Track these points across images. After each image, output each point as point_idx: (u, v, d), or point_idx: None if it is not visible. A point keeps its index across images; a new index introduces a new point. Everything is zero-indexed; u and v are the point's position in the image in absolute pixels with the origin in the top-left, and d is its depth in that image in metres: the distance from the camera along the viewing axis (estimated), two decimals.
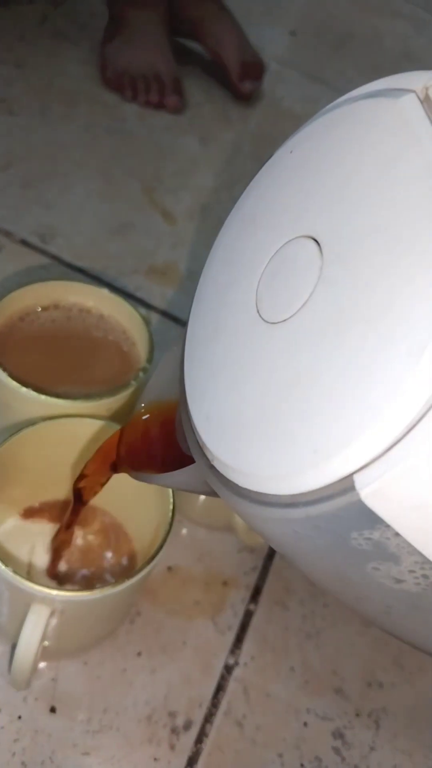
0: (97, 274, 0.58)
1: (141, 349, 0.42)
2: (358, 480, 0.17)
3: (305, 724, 0.41)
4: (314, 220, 0.21)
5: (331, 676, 0.43)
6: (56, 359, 0.41)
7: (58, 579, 0.37)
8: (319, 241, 0.20)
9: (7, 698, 0.36)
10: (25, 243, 0.59)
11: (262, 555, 0.47)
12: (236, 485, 0.20)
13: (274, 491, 0.19)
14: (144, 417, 0.31)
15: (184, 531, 0.46)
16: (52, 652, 0.37)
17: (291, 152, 0.24)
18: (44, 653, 0.37)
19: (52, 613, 0.31)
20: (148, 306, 0.59)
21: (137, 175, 0.70)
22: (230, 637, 0.43)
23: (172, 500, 0.34)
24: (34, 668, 0.31)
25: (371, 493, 0.17)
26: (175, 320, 0.58)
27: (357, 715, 0.42)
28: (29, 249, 0.58)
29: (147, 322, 0.42)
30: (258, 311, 0.22)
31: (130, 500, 0.37)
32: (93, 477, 0.33)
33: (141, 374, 0.39)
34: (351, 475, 0.17)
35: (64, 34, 0.85)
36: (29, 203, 0.63)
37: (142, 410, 0.31)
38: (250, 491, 0.19)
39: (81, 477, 0.34)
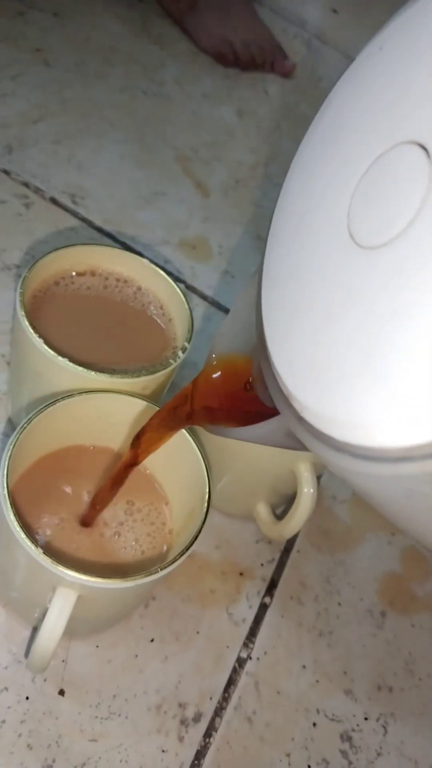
0: (127, 241, 0.56)
1: (178, 327, 0.41)
2: None
3: (314, 724, 0.40)
4: (419, 123, 0.18)
5: (342, 677, 0.42)
6: (89, 329, 0.39)
7: (84, 524, 0.35)
8: (427, 147, 0.18)
9: (15, 678, 0.35)
10: (54, 202, 0.56)
11: (280, 547, 0.45)
12: (332, 438, 0.17)
13: (382, 444, 0.16)
14: (216, 372, 0.28)
15: None
16: (65, 634, 0.36)
17: (380, 49, 0.21)
18: None
19: (79, 599, 0.29)
20: (176, 280, 0.57)
21: (172, 143, 0.68)
22: (244, 629, 0.41)
23: (207, 489, 0.33)
24: (54, 652, 0.30)
25: None
26: (203, 297, 0.56)
27: (366, 718, 0.41)
28: (59, 208, 0.56)
29: (187, 298, 0.40)
30: (351, 235, 0.19)
31: (170, 474, 0.35)
32: (157, 431, 0.31)
33: (180, 354, 0.37)
34: None
35: None
36: (60, 161, 0.60)
37: (214, 361, 0.29)
38: (350, 445, 0.17)
39: (143, 431, 0.31)
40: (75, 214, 0.56)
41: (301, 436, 0.19)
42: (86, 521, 0.34)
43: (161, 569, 0.30)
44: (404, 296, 0.17)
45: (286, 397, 0.20)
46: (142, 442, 0.31)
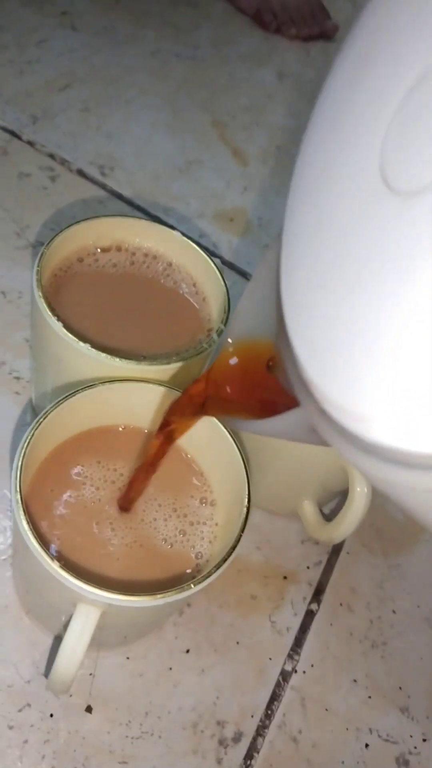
0: (159, 214, 0.52)
1: (213, 307, 0.36)
2: None
3: (366, 745, 0.36)
4: None
5: (397, 693, 0.38)
6: (115, 310, 0.35)
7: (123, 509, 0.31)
8: None
9: (39, 693, 0.32)
10: (82, 174, 0.52)
11: (328, 549, 0.41)
12: (360, 438, 0.14)
13: (421, 448, 0.13)
14: (232, 358, 0.24)
15: None
16: (91, 646, 0.33)
17: None
18: None
19: (102, 614, 0.26)
20: (213, 255, 0.53)
21: (207, 108, 0.63)
22: (289, 639, 0.38)
23: (247, 490, 0.29)
24: (76, 674, 0.27)
25: None
26: (242, 274, 0.52)
27: (424, 740, 0.37)
28: (86, 180, 0.52)
29: (223, 275, 0.36)
30: (384, 180, 0.15)
31: (213, 465, 0.32)
32: (175, 422, 0.28)
33: (216, 337, 0.33)
34: None
35: None
36: (88, 130, 0.56)
37: (231, 347, 0.25)
38: (382, 447, 0.13)
39: (164, 423, 0.28)
40: (103, 187, 0.52)
41: (324, 432, 0.16)
42: (123, 506, 0.31)
43: (194, 584, 0.26)
44: None
45: (305, 386, 0.16)
46: (163, 432, 0.28)
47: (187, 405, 0.26)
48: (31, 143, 0.53)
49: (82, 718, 0.32)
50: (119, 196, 0.52)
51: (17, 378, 0.41)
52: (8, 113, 0.54)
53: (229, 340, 0.25)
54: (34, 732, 0.31)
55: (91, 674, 0.33)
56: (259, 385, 0.23)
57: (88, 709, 0.33)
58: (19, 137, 0.53)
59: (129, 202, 0.52)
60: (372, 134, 0.16)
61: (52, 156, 0.53)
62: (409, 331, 0.13)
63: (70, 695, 0.33)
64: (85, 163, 0.53)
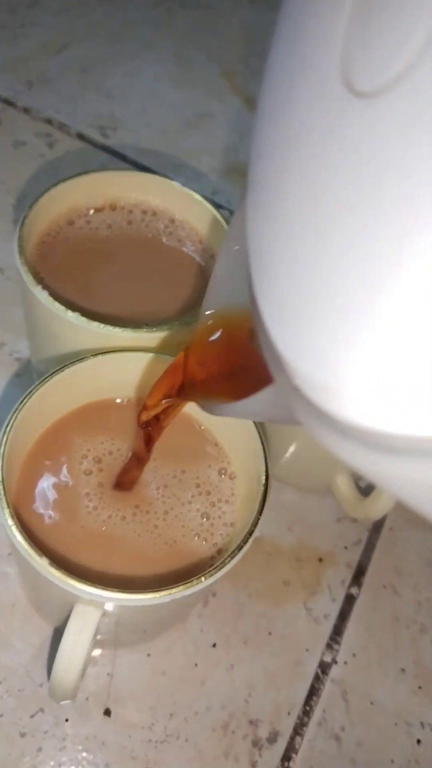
0: (168, 173, 0.48)
1: None
2: None
3: (418, 741, 0.32)
4: None
5: None
6: (112, 275, 0.32)
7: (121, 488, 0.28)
8: None
9: None
10: (81, 137, 0.49)
11: (368, 526, 0.37)
12: (334, 419, 0.11)
13: (413, 431, 0.10)
14: (212, 334, 0.21)
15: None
16: (108, 643, 0.30)
17: None
18: (97, 643, 0.29)
19: (103, 614, 0.23)
20: (218, 208, 0.49)
21: (217, 57, 0.58)
22: (327, 627, 0.34)
23: (265, 466, 0.25)
24: (82, 677, 0.24)
25: None
26: None
27: None
28: (86, 144, 0.48)
29: None
30: (345, 82, 0.12)
31: (231, 437, 0.28)
32: (158, 409, 0.24)
33: None
34: None
35: None
36: (88, 91, 0.52)
37: (209, 319, 0.22)
38: (359, 429, 0.11)
39: (144, 409, 0.25)
40: (105, 149, 0.48)
41: (298, 413, 0.13)
42: (122, 485, 0.27)
43: (205, 578, 0.23)
44: (416, 159, 0.10)
45: (276, 358, 0.12)
46: (146, 423, 0.24)
47: (169, 390, 0.23)
48: (26, 110, 0.50)
49: (101, 722, 0.30)
50: (123, 157, 0.48)
51: (18, 359, 0.38)
52: (1, 81, 0.51)
53: (207, 312, 0.21)
54: (48, 739, 0.29)
55: (108, 674, 0.31)
56: (242, 359, 0.20)
57: (107, 712, 0.30)
58: (13, 105, 0.50)
59: (134, 162, 0.48)
60: (331, 32, 0.13)
61: (49, 121, 0.49)
62: (383, 278, 0.10)
63: (87, 698, 0.30)
64: (84, 125, 0.49)
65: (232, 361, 0.20)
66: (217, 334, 0.21)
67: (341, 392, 0.11)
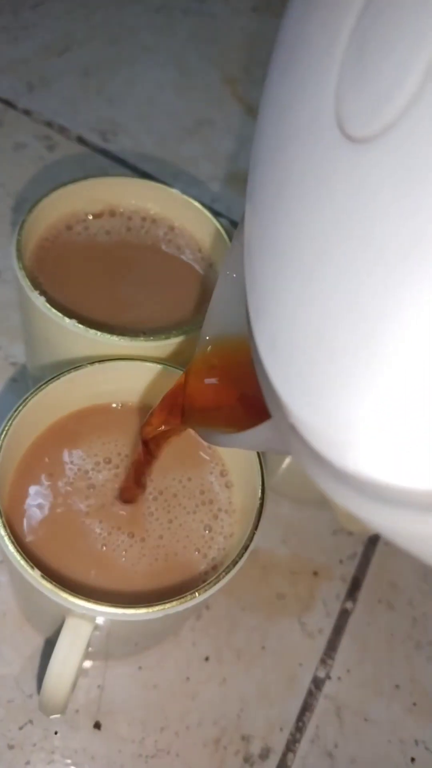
0: (167, 179, 0.48)
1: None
2: None
3: (413, 759, 0.32)
4: None
5: None
6: (110, 282, 0.32)
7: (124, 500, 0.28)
8: None
9: None
10: (82, 141, 0.48)
11: (363, 540, 0.37)
12: (330, 463, 0.11)
13: (406, 483, 0.10)
14: (210, 363, 0.21)
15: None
16: (99, 655, 0.29)
17: None
18: (88, 655, 0.29)
19: (96, 627, 0.23)
20: (217, 216, 0.48)
21: (218, 64, 0.58)
22: (321, 642, 0.34)
23: (261, 480, 0.25)
24: (72, 691, 0.24)
25: None
26: None
27: None
28: (86, 148, 0.48)
29: (230, 237, 0.32)
30: (339, 124, 0.12)
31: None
32: (159, 431, 0.24)
33: None
34: None
35: None
36: (88, 95, 0.52)
37: (209, 345, 0.21)
38: (355, 478, 0.10)
39: (142, 431, 0.25)
40: (105, 153, 0.48)
41: (295, 451, 0.12)
42: (126, 497, 0.27)
43: (199, 593, 0.22)
44: (409, 207, 0.10)
45: (275, 394, 0.12)
46: (147, 445, 0.24)
47: (170, 413, 0.23)
48: (27, 112, 0.49)
49: (90, 735, 0.29)
50: (123, 162, 0.48)
51: (13, 363, 0.38)
52: (2, 82, 0.51)
53: (207, 338, 0.21)
54: (36, 752, 0.28)
55: (99, 686, 0.30)
56: (241, 388, 0.19)
57: (97, 726, 0.29)
58: (14, 106, 0.50)
59: (133, 168, 0.48)
60: (325, 71, 0.13)
61: (49, 124, 0.49)
62: (379, 328, 0.10)
63: (77, 710, 0.29)
64: (85, 129, 0.49)
65: (230, 391, 0.20)
66: (215, 360, 0.20)
67: (337, 438, 0.10)
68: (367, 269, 0.10)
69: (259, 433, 0.15)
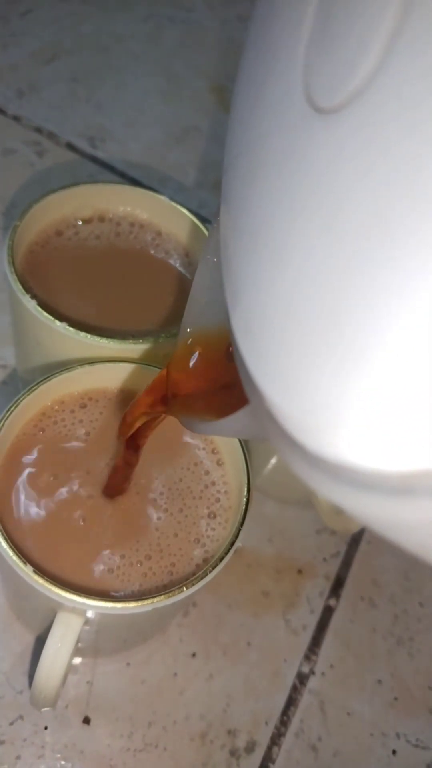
0: (155, 186, 0.49)
1: None
2: None
3: (394, 752, 0.33)
4: None
5: (427, 693, 0.35)
6: (100, 286, 0.32)
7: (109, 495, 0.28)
8: None
9: None
10: (71, 147, 0.49)
11: (346, 539, 0.38)
12: (305, 449, 0.11)
13: (380, 466, 0.10)
14: (191, 354, 0.21)
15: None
16: (88, 651, 0.30)
17: None
18: (78, 652, 0.29)
19: (86, 622, 0.23)
20: (204, 221, 0.49)
21: (205, 72, 0.59)
22: (305, 638, 0.35)
23: (247, 478, 0.26)
24: (63, 684, 0.24)
25: None
26: None
27: None
28: (75, 154, 0.49)
29: None
30: (307, 97, 0.12)
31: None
32: (139, 423, 0.25)
33: None
34: None
35: None
36: (77, 101, 0.53)
37: (189, 336, 0.22)
38: (328, 463, 0.10)
39: (123, 422, 0.25)
40: (94, 159, 0.49)
41: (271, 437, 0.12)
42: (110, 491, 0.27)
43: (186, 587, 0.23)
44: (373, 176, 0.10)
45: (251, 379, 0.12)
46: (127, 440, 0.24)
47: (147, 406, 0.23)
48: (16, 118, 0.50)
49: (80, 730, 0.30)
50: (111, 168, 0.49)
51: (3, 366, 0.38)
52: None
53: (188, 330, 0.21)
54: (27, 747, 0.29)
55: (88, 682, 0.31)
56: (221, 376, 0.20)
57: (86, 721, 0.30)
58: (4, 113, 0.50)
59: (122, 174, 0.48)
60: (294, 46, 0.13)
61: (38, 130, 0.49)
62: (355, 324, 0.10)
63: (66, 706, 0.30)
64: (74, 135, 0.50)
65: (211, 379, 0.20)
66: (196, 354, 0.21)
67: (309, 423, 0.10)
68: (336, 246, 0.10)
69: (238, 420, 0.15)
